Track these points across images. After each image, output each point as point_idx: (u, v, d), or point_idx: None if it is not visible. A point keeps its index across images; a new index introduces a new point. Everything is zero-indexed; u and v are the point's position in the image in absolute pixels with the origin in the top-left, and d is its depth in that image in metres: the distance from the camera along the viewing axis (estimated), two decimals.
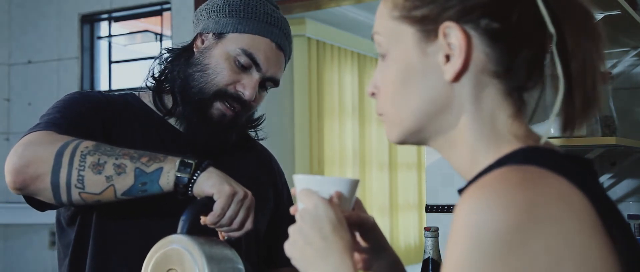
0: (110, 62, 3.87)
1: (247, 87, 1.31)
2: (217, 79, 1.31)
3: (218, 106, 1.31)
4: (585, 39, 0.71)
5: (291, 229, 0.85)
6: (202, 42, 1.37)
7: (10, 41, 4.05)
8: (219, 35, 1.34)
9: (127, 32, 3.90)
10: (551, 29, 0.70)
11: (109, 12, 3.81)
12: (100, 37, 3.92)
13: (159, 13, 3.69)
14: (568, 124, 0.72)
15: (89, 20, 3.90)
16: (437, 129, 0.76)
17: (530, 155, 0.69)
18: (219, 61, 1.32)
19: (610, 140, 1.70)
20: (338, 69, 5.22)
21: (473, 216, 0.61)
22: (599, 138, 1.73)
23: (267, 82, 1.36)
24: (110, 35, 3.88)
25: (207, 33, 1.36)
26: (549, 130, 0.72)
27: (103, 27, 3.93)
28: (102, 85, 3.88)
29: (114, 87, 3.79)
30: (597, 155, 1.85)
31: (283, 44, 1.36)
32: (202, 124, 1.32)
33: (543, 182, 0.63)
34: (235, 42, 1.32)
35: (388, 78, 0.78)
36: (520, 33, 0.71)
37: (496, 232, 0.59)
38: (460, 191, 0.75)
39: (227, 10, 1.35)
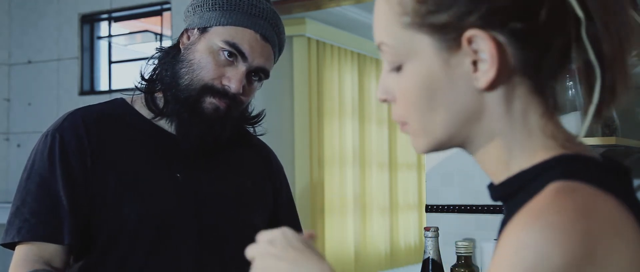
0: (110, 62, 3.87)
1: (232, 80, 1.28)
2: (202, 73, 1.29)
3: (210, 100, 1.29)
4: (615, 16, 0.67)
5: (259, 256, 0.80)
6: (188, 38, 1.35)
7: (10, 41, 4.05)
8: (203, 30, 1.32)
9: (127, 32, 3.90)
10: (580, 13, 0.64)
11: (109, 12, 3.81)
12: (100, 37, 3.92)
13: (159, 13, 3.70)
14: (600, 110, 0.68)
15: (89, 20, 3.90)
16: (467, 135, 0.71)
17: (574, 167, 0.66)
18: (203, 56, 1.29)
19: (610, 140, 1.70)
20: (338, 69, 5.22)
21: (528, 250, 0.58)
22: (599, 138, 1.73)
23: (256, 74, 1.32)
24: (110, 35, 3.88)
25: (193, 29, 1.34)
26: (586, 125, 0.68)
27: (103, 27, 3.93)
28: (102, 85, 3.88)
29: (114, 87, 3.79)
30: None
31: (269, 35, 1.33)
32: (193, 120, 1.30)
33: (597, 210, 0.60)
34: (219, 35, 1.30)
35: (409, 91, 0.71)
36: (551, 28, 0.66)
37: (553, 269, 0.57)
38: (491, 189, 0.73)
39: (210, 4, 1.32)
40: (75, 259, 1.31)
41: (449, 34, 0.67)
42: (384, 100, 0.75)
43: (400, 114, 0.74)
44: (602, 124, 1.78)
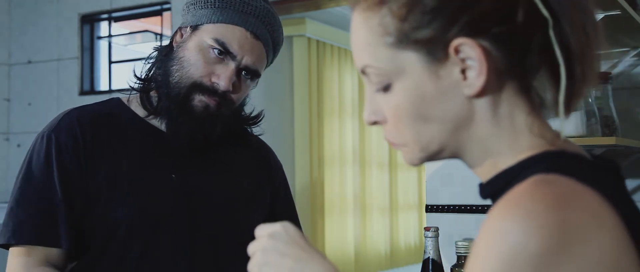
0: (110, 62, 3.87)
1: (221, 77, 1.28)
2: (192, 71, 1.29)
3: (199, 98, 1.29)
4: (580, 13, 0.69)
5: (259, 251, 0.80)
6: (181, 36, 1.35)
7: (10, 41, 4.05)
8: (194, 28, 1.32)
9: (127, 32, 3.90)
10: (545, 13, 0.67)
11: (109, 12, 3.81)
12: (100, 37, 3.92)
13: (159, 13, 3.70)
14: (570, 103, 0.70)
15: (89, 20, 3.90)
16: (458, 143, 0.72)
17: (558, 162, 0.67)
18: (193, 53, 1.30)
19: (610, 140, 1.70)
20: (338, 69, 5.22)
21: (505, 237, 0.59)
22: (599, 138, 1.73)
23: (248, 72, 1.32)
24: (110, 35, 3.88)
25: (185, 27, 1.35)
26: (564, 125, 0.69)
27: (103, 27, 3.93)
28: (102, 85, 3.88)
29: (114, 87, 3.79)
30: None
31: (261, 33, 1.32)
32: (183, 117, 1.29)
33: (575, 200, 0.61)
34: (209, 33, 1.30)
35: (401, 108, 0.72)
36: (528, 28, 0.68)
37: (529, 256, 0.58)
38: (480, 188, 0.74)
39: (202, 2, 1.33)
40: (70, 259, 1.31)
41: (435, 47, 0.68)
42: (374, 123, 0.76)
43: (392, 134, 0.75)
44: (602, 123, 1.78)
